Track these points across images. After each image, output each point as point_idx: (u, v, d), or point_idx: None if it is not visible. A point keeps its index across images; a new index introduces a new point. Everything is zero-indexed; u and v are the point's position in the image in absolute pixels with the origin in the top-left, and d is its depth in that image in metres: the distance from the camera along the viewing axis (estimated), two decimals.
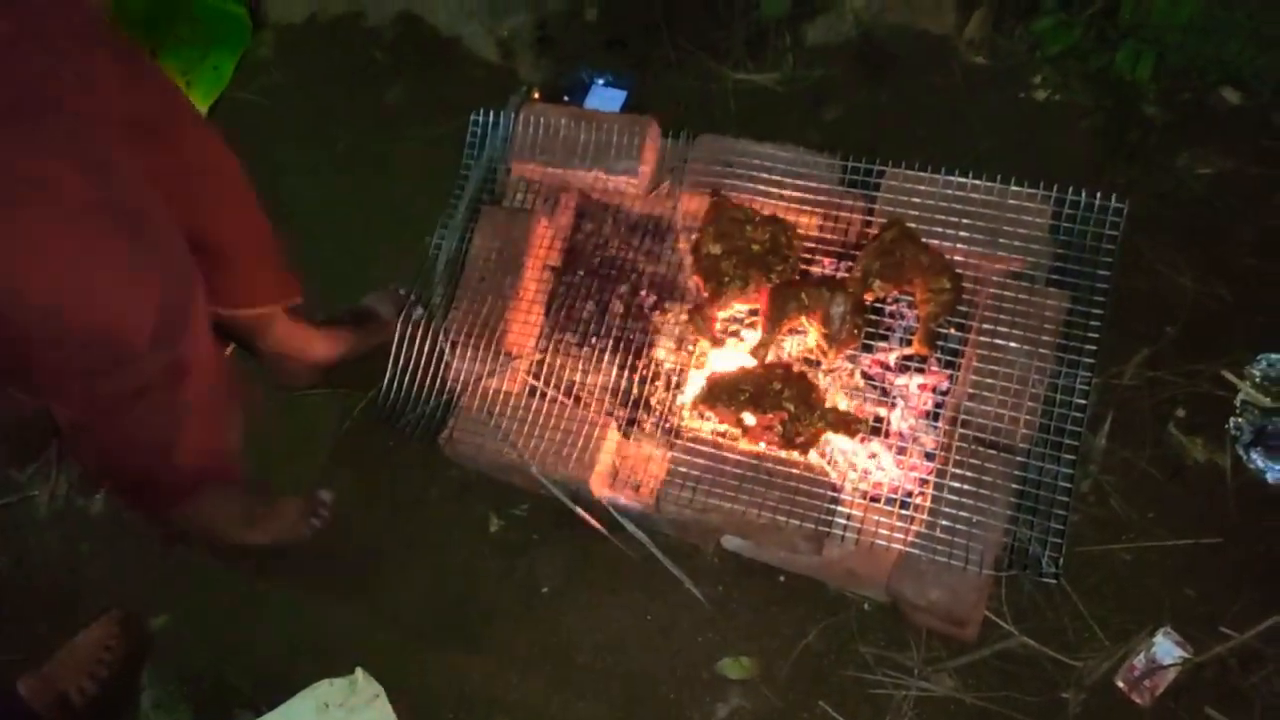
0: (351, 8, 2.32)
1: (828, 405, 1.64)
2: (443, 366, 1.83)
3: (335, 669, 1.72)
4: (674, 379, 1.81)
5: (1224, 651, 1.56)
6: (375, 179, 2.16)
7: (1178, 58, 1.88)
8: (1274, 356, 1.70)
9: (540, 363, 1.85)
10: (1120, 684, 1.59)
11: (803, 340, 1.75)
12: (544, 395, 1.79)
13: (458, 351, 1.82)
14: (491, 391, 1.80)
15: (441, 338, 1.84)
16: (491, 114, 1.96)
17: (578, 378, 1.82)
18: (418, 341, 1.85)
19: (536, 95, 2.11)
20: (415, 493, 1.91)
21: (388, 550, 1.88)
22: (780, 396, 1.62)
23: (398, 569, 1.86)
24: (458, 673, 1.76)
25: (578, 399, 1.81)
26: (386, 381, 1.88)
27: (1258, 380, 1.70)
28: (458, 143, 2.06)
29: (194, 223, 1.46)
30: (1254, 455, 1.65)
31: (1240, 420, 1.68)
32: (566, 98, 2.11)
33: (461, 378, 1.81)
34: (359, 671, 1.74)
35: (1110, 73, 1.93)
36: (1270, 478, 1.64)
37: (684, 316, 1.83)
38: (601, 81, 2.11)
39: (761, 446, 1.66)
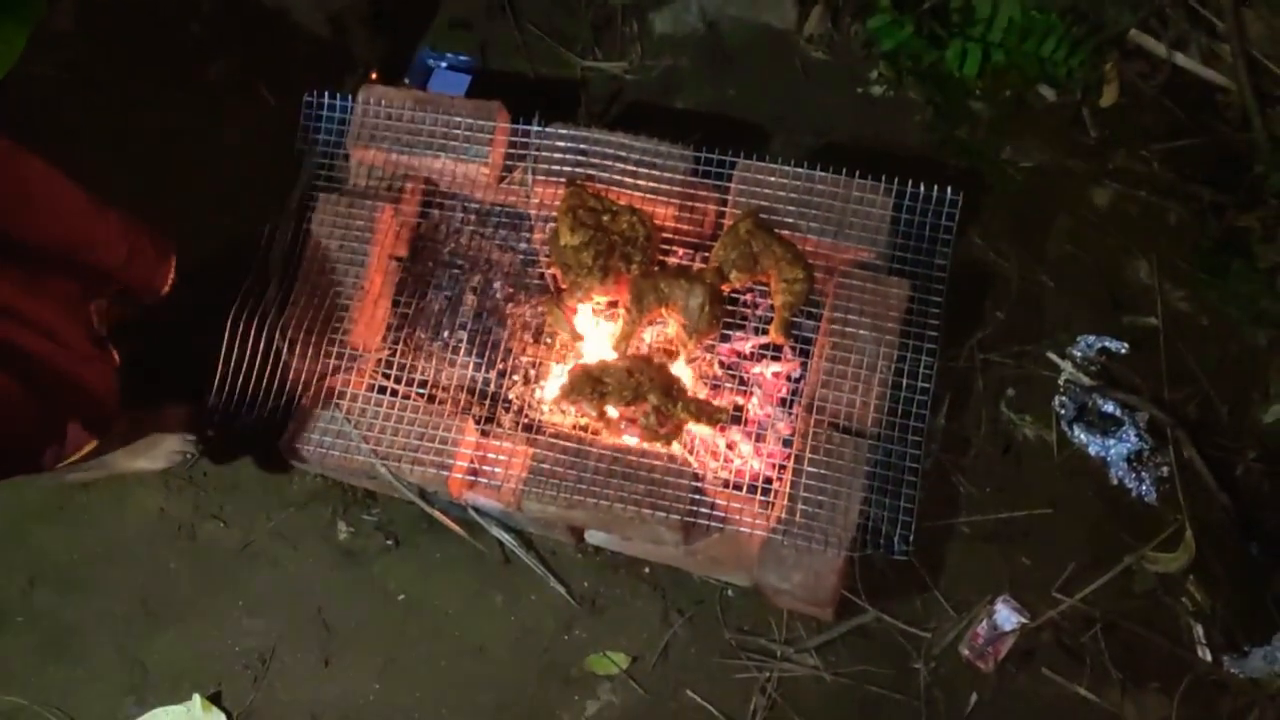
0: None
1: (689, 395, 1.65)
2: (280, 365, 1.71)
3: (176, 697, 1.60)
4: (532, 373, 1.77)
5: (1056, 616, 1.68)
6: (195, 162, 1.99)
7: (1000, 56, 1.99)
8: (1091, 339, 1.84)
9: (389, 359, 1.76)
10: (965, 652, 1.67)
11: (661, 331, 1.75)
12: (395, 393, 1.71)
13: (296, 349, 1.70)
14: (336, 391, 1.70)
15: (278, 335, 1.73)
16: (328, 96, 1.84)
17: (430, 374, 1.75)
18: (250, 339, 1.73)
19: (374, 76, 2.00)
20: (256, 503, 1.79)
21: (229, 567, 1.75)
22: (642, 388, 1.61)
23: (241, 586, 1.74)
24: (311, 691, 1.67)
25: (431, 397, 1.74)
26: (217, 383, 1.75)
27: (1078, 360, 1.82)
28: (286, 124, 1.93)
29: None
30: (1077, 430, 1.78)
31: (1064, 399, 1.80)
32: (407, 80, 2.01)
33: (303, 377, 1.70)
34: (196, 698, 1.62)
35: (940, 70, 2.02)
36: (1092, 451, 1.77)
37: (541, 309, 1.79)
38: (444, 65, 2.03)
39: (626, 439, 1.65)
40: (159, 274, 1.67)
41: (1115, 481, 1.75)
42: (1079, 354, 1.83)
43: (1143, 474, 1.75)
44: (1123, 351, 1.83)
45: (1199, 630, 1.67)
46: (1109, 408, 1.78)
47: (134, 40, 2.10)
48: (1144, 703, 1.64)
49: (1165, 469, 1.75)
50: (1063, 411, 1.80)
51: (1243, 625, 1.67)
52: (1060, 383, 1.82)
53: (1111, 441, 1.76)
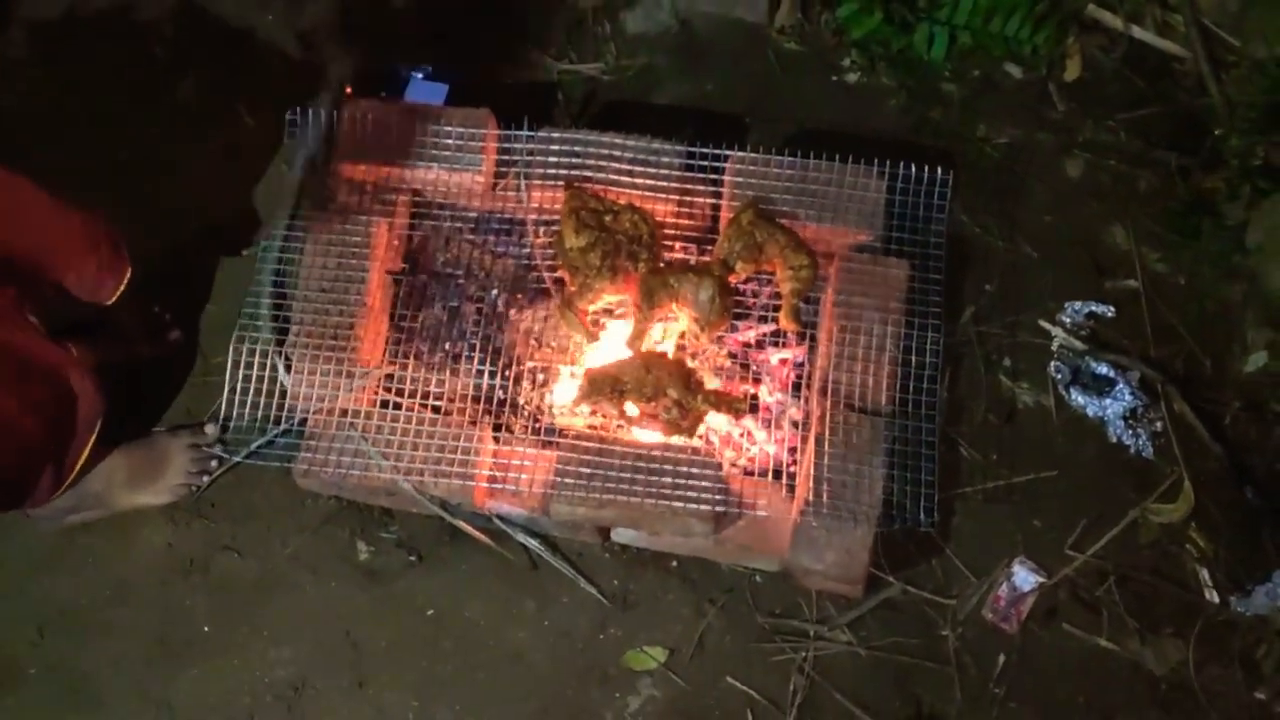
0: (118, 1, 2.07)
1: (708, 387, 1.67)
2: (290, 388, 1.68)
3: None
4: (540, 377, 1.77)
5: (1072, 572, 1.73)
6: (171, 187, 1.94)
7: (967, 38, 2.05)
8: (1078, 304, 1.90)
9: (397, 374, 1.74)
10: (989, 616, 1.72)
11: (667, 327, 1.76)
12: (408, 408, 1.69)
13: (305, 370, 1.68)
14: (350, 411, 1.67)
15: (284, 357, 1.70)
16: (310, 112, 1.81)
17: (438, 386, 1.73)
18: (255, 365, 1.70)
19: (349, 90, 1.98)
20: (269, 531, 1.76)
21: (248, 598, 1.72)
22: (662, 383, 1.62)
23: (262, 616, 1.71)
24: (347, 715, 1.64)
25: (440, 409, 1.72)
26: (224, 413, 1.72)
27: (1068, 326, 1.89)
28: (264, 144, 1.90)
29: None
30: (1074, 393, 1.84)
31: (1058, 364, 1.86)
32: (384, 93, 1.98)
33: (314, 399, 1.67)
34: None
35: (910, 54, 2.07)
36: (1090, 412, 1.83)
37: (543, 313, 1.79)
38: (420, 75, 2.01)
39: (647, 435, 1.66)
40: (107, 285, 1.59)
41: (1114, 439, 1.82)
42: (1068, 320, 1.90)
43: (1139, 430, 1.82)
44: (1109, 314, 1.90)
45: (1205, 574, 1.75)
46: (1102, 369, 1.85)
47: (95, 65, 2.03)
48: (1161, 648, 1.70)
49: (1159, 424, 1.83)
50: (1058, 376, 1.86)
51: (1245, 566, 1.74)
52: (1053, 349, 1.88)
53: (1107, 401, 1.83)
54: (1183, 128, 2.02)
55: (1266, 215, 1.91)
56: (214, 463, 1.76)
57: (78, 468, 1.51)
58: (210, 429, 1.76)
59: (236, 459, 1.74)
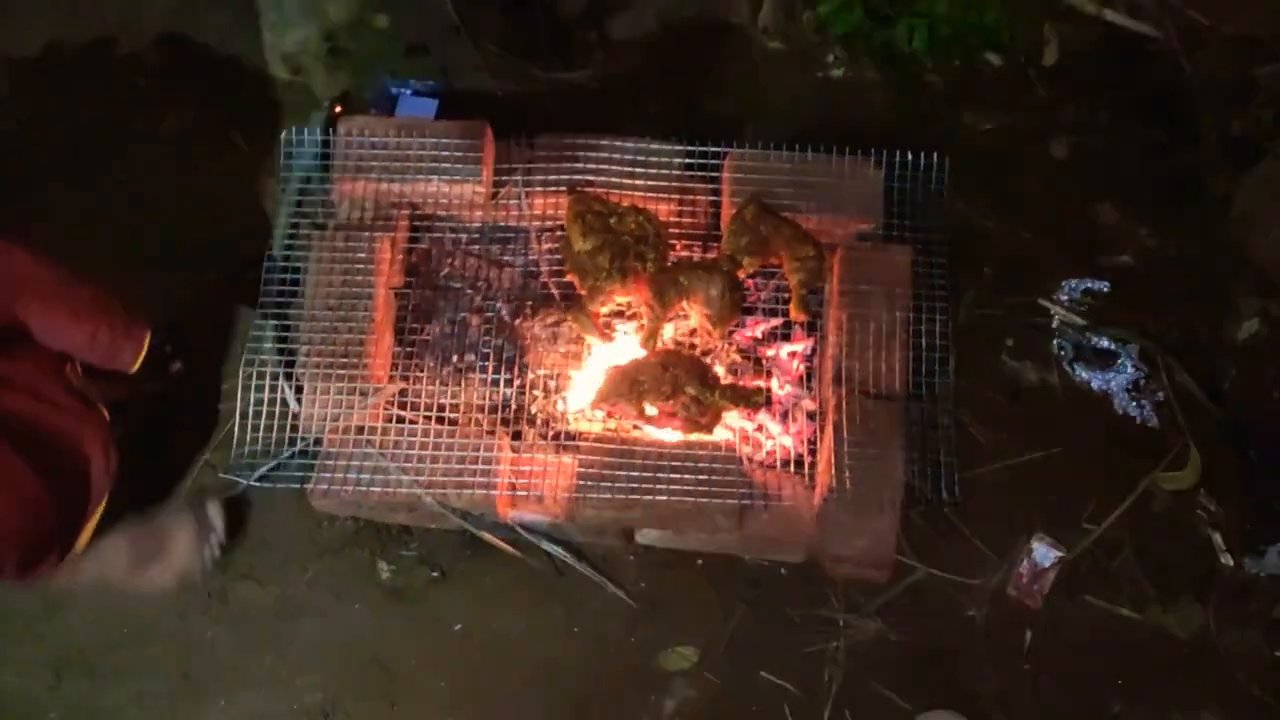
0: (99, 33, 2.04)
1: (724, 382, 1.67)
2: (302, 408, 1.66)
3: None
4: (552, 384, 1.76)
5: (1090, 545, 1.76)
6: (167, 215, 1.92)
7: (946, 29, 2.08)
8: (1074, 282, 1.94)
9: (411, 389, 1.73)
10: (1012, 593, 1.74)
11: (676, 325, 1.76)
12: (423, 422, 1.68)
13: (317, 389, 1.66)
14: (365, 428, 1.66)
15: (294, 377, 1.68)
16: (306, 132, 1.80)
17: (451, 398, 1.72)
18: (266, 387, 1.67)
19: (338, 110, 1.97)
20: (287, 556, 1.73)
21: (271, 626, 1.69)
22: (680, 381, 1.62)
23: (287, 643, 1.68)
24: None
25: (454, 421, 1.71)
26: (236, 439, 1.69)
27: (1066, 304, 1.92)
28: (260, 168, 1.88)
29: None
30: (1078, 369, 1.87)
31: (1061, 340, 1.89)
32: (373, 110, 1.98)
33: (327, 418, 1.66)
34: None
35: (892, 47, 2.10)
36: (1094, 386, 1.87)
37: (551, 320, 1.78)
38: (409, 91, 2.01)
39: (664, 435, 1.66)
40: (126, 353, 1.59)
41: (1120, 412, 1.85)
42: (1066, 298, 1.93)
43: (1143, 401, 1.85)
44: (1105, 290, 1.93)
45: (1217, 538, 1.78)
46: (1103, 344, 1.88)
47: (79, 98, 2.00)
48: (1182, 613, 1.73)
49: (1161, 394, 1.86)
50: (1062, 353, 1.89)
51: (1256, 527, 1.78)
52: (1055, 326, 1.91)
53: (1111, 375, 1.86)
54: (1160, 105, 2.06)
55: (1248, 187, 1.97)
56: (219, 545, 1.70)
57: (83, 539, 1.49)
58: (213, 508, 1.70)
59: (247, 482, 1.71)
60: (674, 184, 1.80)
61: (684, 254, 1.80)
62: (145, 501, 1.69)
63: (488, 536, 1.67)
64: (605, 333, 1.71)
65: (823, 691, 1.66)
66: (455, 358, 1.77)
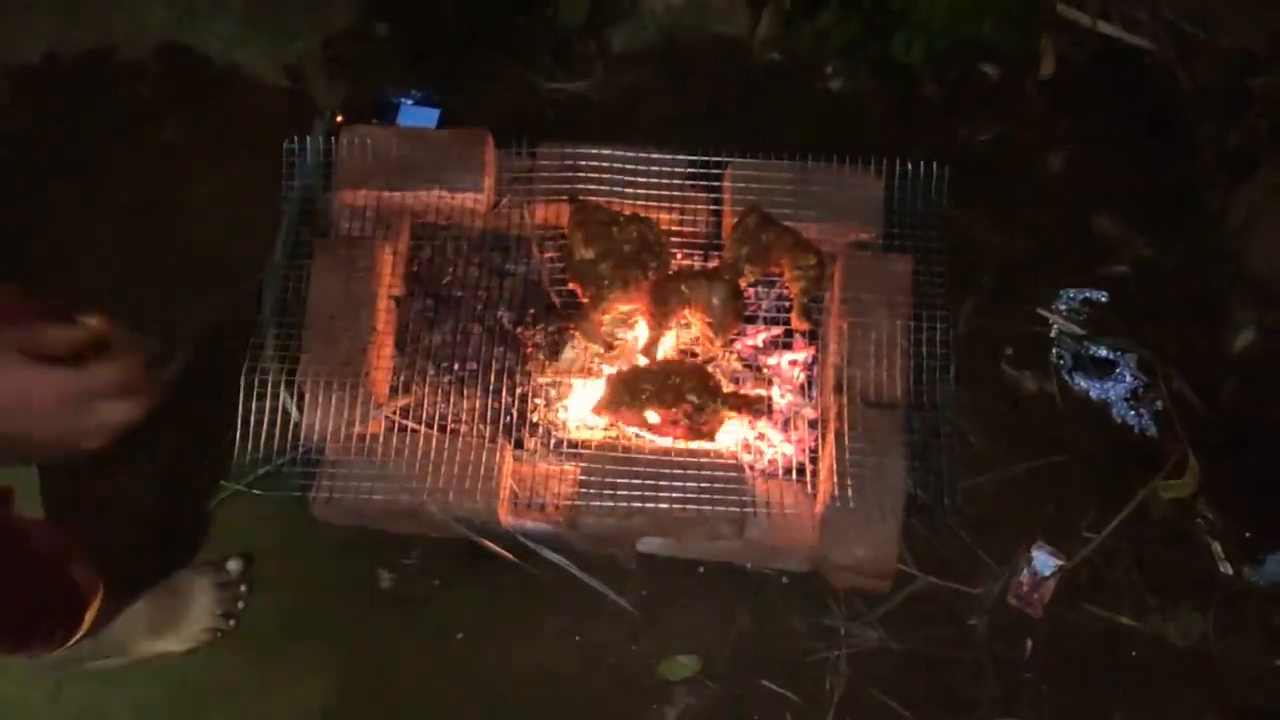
0: (100, 43, 2.05)
1: (725, 391, 1.67)
2: (302, 416, 1.66)
3: None
4: (553, 392, 1.76)
5: (1090, 554, 1.76)
6: (170, 226, 1.92)
7: (943, 40, 2.10)
8: (1072, 292, 1.95)
9: (412, 398, 1.73)
10: (1013, 602, 1.74)
11: (678, 334, 1.77)
12: (425, 431, 1.68)
13: (320, 398, 1.66)
14: (368, 437, 1.66)
15: (296, 385, 1.68)
16: (309, 141, 1.81)
17: (449, 408, 1.72)
18: (268, 395, 1.67)
19: (340, 119, 1.97)
20: (284, 569, 1.73)
21: (271, 638, 1.68)
22: (682, 388, 1.63)
23: (288, 654, 1.67)
24: None
25: (455, 431, 1.71)
26: (238, 447, 1.68)
27: (1065, 313, 1.93)
28: (261, 178, 1.88)
29: None
30: (1077, 378, 1.88)
31: (1060, 350, 1.90)
32: (375, 120, 1.99)
33: (330, 426, 1.65)
34: None
35: (889, 59, 2.12)
36: (1093, 395, 1.87)
37: (552, 329, 1.79)
38: (410, 100, 2.01)
39: (666, 443, 1.66)
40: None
41: (1118, 420, 1.86)
42: (1064, 307, 1.94)
43: (1141, 410, 1.86)
44: (1103, 300, 1.94)
45: (1217, 547, 1.78)
46: (1102, 353, 1.89)
47: (79, 106, 2.01)
48: (1182, 622, 1.73)
49: (1160, 403, 1.87)
50: (1061, 362, 1.90)
51: (1255, 536, 1.79)
52: (1053, 335, 1.92)
53: (1109, 384, 1.87)
54: (1157, 117, 2.08)
55: (1244, 198, 1.99)
56: (240, 603, 1.69)
57: (88, 620, 1.46)
58: (233, 565, 1.70)
59: (246, 488, 1.71)
60: (675, 193, 1.81)
61: (685, 263, 1.80)
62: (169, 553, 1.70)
63: (489, 545, 1.66)
64: (607, 341, 1.71)
65: (824, 700, 1.65)
66: (457, 366, 1.78)
